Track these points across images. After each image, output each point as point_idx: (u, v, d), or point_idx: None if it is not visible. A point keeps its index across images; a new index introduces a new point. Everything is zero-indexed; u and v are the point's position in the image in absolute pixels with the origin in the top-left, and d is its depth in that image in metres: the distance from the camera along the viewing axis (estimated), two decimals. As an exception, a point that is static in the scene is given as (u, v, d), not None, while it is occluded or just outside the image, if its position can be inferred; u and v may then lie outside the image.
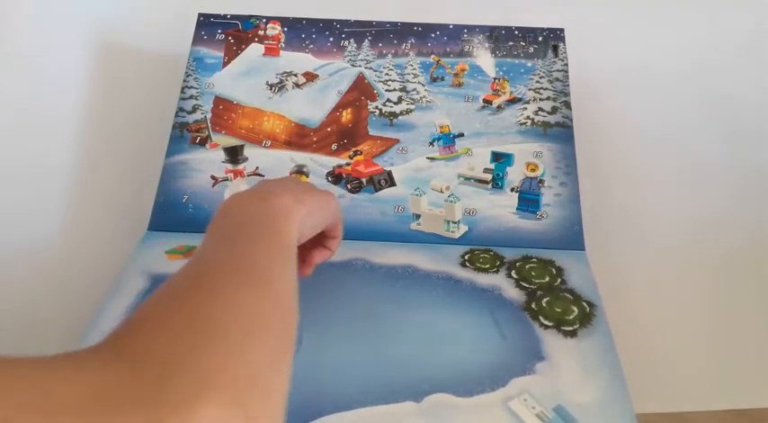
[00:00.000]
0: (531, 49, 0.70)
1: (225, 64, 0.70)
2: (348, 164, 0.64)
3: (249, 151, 0.65)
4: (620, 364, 0.46)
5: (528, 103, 0.67)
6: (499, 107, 0.67)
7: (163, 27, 0.78)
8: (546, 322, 0.50)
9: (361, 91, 0.69)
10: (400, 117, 0.67)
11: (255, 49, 0.71)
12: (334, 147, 0.66)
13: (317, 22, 0.72)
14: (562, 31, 0.70)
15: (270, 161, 0.64)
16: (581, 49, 0.72)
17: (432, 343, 0.48)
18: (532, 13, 0.77)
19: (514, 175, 0.62)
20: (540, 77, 0.68)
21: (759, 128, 0.75)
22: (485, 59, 0.70)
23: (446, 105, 0.67)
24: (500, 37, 0.70)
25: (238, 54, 0.70)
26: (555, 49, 0.69)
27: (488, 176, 0.62)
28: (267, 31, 0.71)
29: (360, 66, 0.70)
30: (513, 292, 0.53)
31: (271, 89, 0.68)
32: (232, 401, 0.23)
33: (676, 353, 0.61)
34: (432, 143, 0.65)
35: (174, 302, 0.27)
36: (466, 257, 0.57)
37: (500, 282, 0.54)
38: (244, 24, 0.72)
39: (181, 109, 0.67)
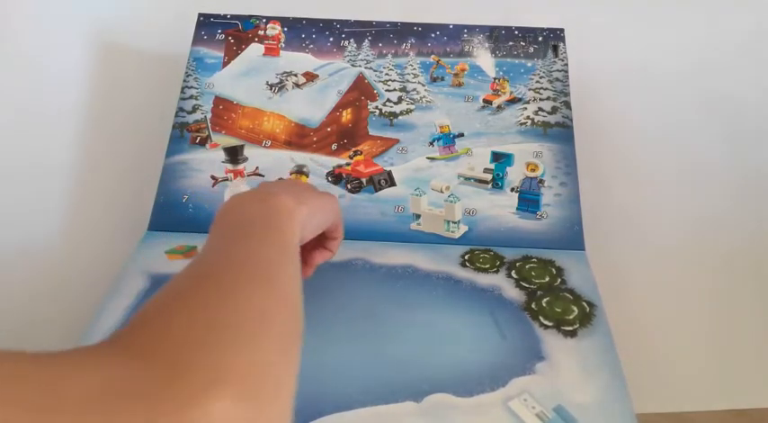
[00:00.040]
0: (531, 49, 0.70)
1: (225, 64, 0.70)
2: (348, 164, 0.64)
3: (249, 151, 0.65)
4: (620, 364, 0.46)
5: (528, 103, 0.67)
6: (499, 107, 0.67)
7: (163, 27, 0.78)
8: (546, 322, 0.50)
9: (361, 91, 0.69)
10: (400, 117, 0.67)
11: (255, 49, 0.71)
12: (334, 147, 0.66)
13: (317, 22, 0.72)
14: (562, 31, 0.70)
15: (270, 161, 0.64)
16: (581, 49, 0.72)
17: (432, 343, 0.48)
18: (532, 13, 0.77)
19: (514, 175, 0.62)
20: (540, 77, 0.68)
21: (759, 128, 0.75)
22: (485, 59, 0.70)
23: (446, 105, 0.67)
24: (500, 37, 0.70)
25: (238, 54, 0.70)
26: (555, 49, 0.69)
27: (488, 176, 0.62)
28: (267, 31, 0.71)
29: (360, 66, 0.70)
30: (513, 292, 0.53)
31: (271, 89, 0.68)
32: (243, 395, 0.23)
33: (676, 353, 0.61)
34: (432, 143, 0.65)
35: (182, 300, 0.27)
36: (466, 257, 0.57)
37: (500, 282, 0.54)
38: (244, 24, 0.72)
39: (181, 109, 0.67)
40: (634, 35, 0.80)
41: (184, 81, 0.69)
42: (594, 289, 0.53)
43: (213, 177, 0.63)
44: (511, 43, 0.70)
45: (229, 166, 0.64)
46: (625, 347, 0.48)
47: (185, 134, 0.66)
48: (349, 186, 0.63)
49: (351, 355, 0.47)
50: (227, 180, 0.63)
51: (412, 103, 0.68)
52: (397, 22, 0.71)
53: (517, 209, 0.61)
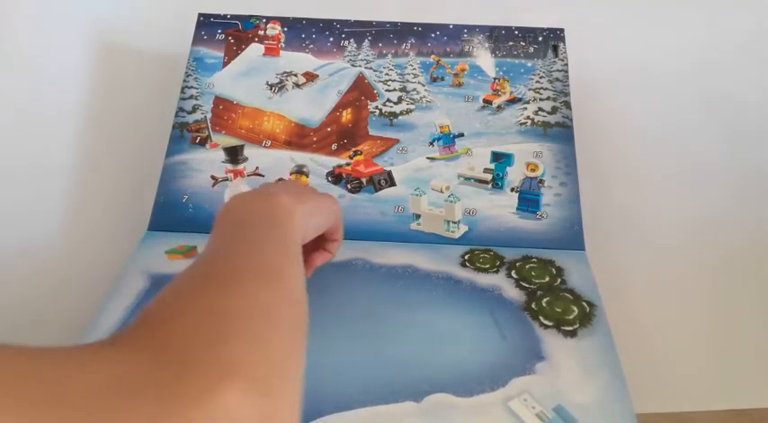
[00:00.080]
0: (531, 49, 0.70)
1: (225, 64, 0.70)
2: (348, 164, 0.64)
3: (249, 151, 0.65)
4: (620, 364, 0.46)
5: (528, 103, 0.67)
6: (499, 107, 0.67)
7: (163, 27, 0.78)
8: (546, 322, 0.50)
9: (361, 91, 0.69)
10: (400, 117, 0.67)
11: (255, 49, 0.71)
12: (334, 147, 0.66)
13: (317, 22, 0.72)
14: (562, 31, 0.70)
15: (270, 161, 0.64)
16: (581, 49, 0.72)
17: (432, 343, 0.48)
18: (532, 13, 0.77)
19: (514, 175, 0.62)
20: (540, 77, 0.68)
21: (759, 128, 0.75)
22: (485, 59, 0.70)
23: (446, 105, 0.67)
24: (500, 37, 0.70)
25: (238, 54, 0.70)
26: (555, 49, 0.69)
27: (488, 176, 0.62)
28: (267, 31, 0.71)
29: (360, 66, 0.70)
30: (513, 292, 0.53)
31: (271, 89, 0.68)
32: (253, 389, 0.23)
33: (676, 353, 0.61)
34: (432, 143, 0.65)
35: (189, 297, 0.28)
36: (466, 257, 0.57)
37: (500, 282, 0.54)
38: (244, 24, 0.72)
39: (181, 109, 0.67)
40: (634, 35, 0.80)
41: (184, 81, 0.69)
42: (594, 289, 0.53)
43: (213, 177, 0.63)
44: (511, 43, 0.70)
45: (229, 166, 0.64)
46: (625, 347, 0.48)
47: (185, 134, 0.66)
48: (349, 186, 0.63)
49: (351, 355, 0.47)
50: (227, 180, 0.63)
51: (412, 103, 0.68)
52: (397, 22, 0.72)
53: (517, 209, 0.61)
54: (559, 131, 0.65)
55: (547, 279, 0.54)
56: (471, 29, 0.71)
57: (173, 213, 0.61)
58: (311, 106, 0.67)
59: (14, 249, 0.65)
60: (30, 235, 0.66)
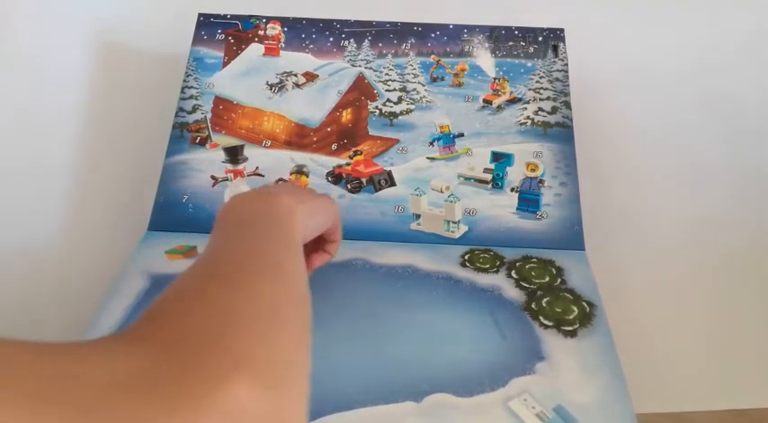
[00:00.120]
0: (531, 49, 0.70)
1: (225, 64, 0.70)
2: (348, 164, 0.64)
3: (249, 151, 0.65)
4: (620, 364, 0.46)
5: (528, 103, 0.67)
6: (499, 107, 0.67)
7: (163, 27, 0.78)
8: (546, 322, 0.50)
9: (361, 91, 0.69)
10: (400, 117, 0.67)
11: (255, 49, 0.71)
12: (334, 147, 0.66)
13: (317, 22, 0.72)
14: (562, 31, 0.70)
15: (270, 161, 0.64)
16: (581, 49, 0.72)
17: (432, 343, 0.48)
18: (532, 13, 0.77)
19: (514, 175, 0.62)
20: (540, 77, 0.68)
21: (759, 128, 0.75)
22: (485, 59, 0.70)
23: (446, 105, 0.67)
24: (500, 37, 0.70)
25: (238, 54, 0.70)
26: (555, 49, 0.69)
27: (488, 176, 0.62)
28: (267, 31, 0.71)
29: (360, 66, 0.70)
30: (513, 292, 0.53)
31: (271, 89, 0.68)
32: (262, 383, 0.23)
33: (676, 353, 0.61)
34: (432, 143, 0.65)
35: (195, 293, 0.28)
36: (466, 257, 0.57)
37: (500, 282, 0.54)
38: (244, 24, 0.72)
39: (181, 109, 0.67)
40: (634, 35, 0.80)
41: (184, 81, 0.69)
42: (594, 289, 0.53)
43: (213, 177, 0.63)
44: (511, 43, 0.70)
45: (229, 166, 0.64)
46: (625, 347, 0.48)
47: (185, 134, 0.66)
48: (349, 186, 0.63)
49: (351, 355, 0.47)
50: (227, 180, 0.63)
51: (412, 103, 0.68)
52: (397, 22, 0.72)
53: (517, 209, 0.61)
54: (559, 131, 0.65)
55: (547, 279, 0.54)
56: (471, 29, 0.71)
57: (173, 213, 0.61)
58: (311, 106, 0.67)
59: (14, 249, 0.65)
60: (30, 235, 0.66)
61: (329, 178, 0.64)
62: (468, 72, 0.69)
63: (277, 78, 0.69)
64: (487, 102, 0.67)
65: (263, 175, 0.64)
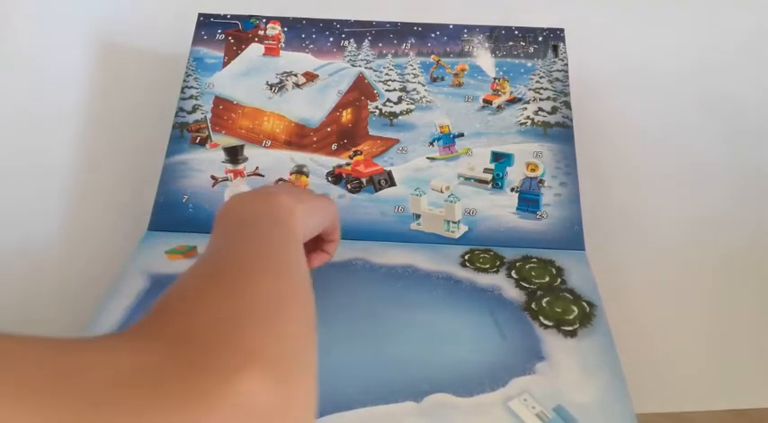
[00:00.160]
0: (531, 49, 0.70)
1: (225, 64, 0.70)
2: (348, 164, 0.64)
3: (249, 151, 0.65)
4: (620, 364, 0.46)
5: (528, 103, 0.67)
6: (499, 107, 0.67)
7: (163, 27, 0.78)
8: (546, 322, 0.50)
9: (361, 91, 0.69)
10: (400, 117, 0.67)
11: (255, 49, 0.71)
12: (334, 147, 0.66)
13: (317, 22, 0.72)
14: (562, 31, 0.70)
15: (270, 161, 0.64)
16: (581, 49, 0.72)
17: (432, 343, 0.48)
18: (532, 13, 0.77)
19: (514, 175, 0.62)
20: (540, 77, 0.68)
21: (759, 128, 0.75)
22: (485, 59, 0.70)
23: (446, 105, 0.67)
24: (500, 37, 0.70)
25: (238, 54, 0.70)
26: (555, 49, 0.69)
27: (488, 176, 0.62)
28: (267, 31, 0.71)
29: (360, 66, 0.70)
30: (513, 292, 0.53)
31: (271, 89, 0.68)
32: (274, 376, 0.23)
33: (676, 353, 0.61)
34: (432, 143, 0.65)
35: (201, 290, 0.28)
36: (466, 257, 0.57)
37: (500, 282, 0.54)
38: (244, 24, 0.72)
39: (181, 109, 0.67)
40: (634, 35, 0.80)
41: (184, 81, 0.69)
42: (594, 289, 0.53)
43: (213, 177, 0.63)
44: (511, 43, 0.70)
45: (229, 166, 0.64)
46: (625, 347, 0.48)
47: (185, 134, 0.66)
48: (349, 186, 0.63)
49: (351, 355, 0.47)
50: (227, 180, 0.63)
51: (412, 103, 0.68)
52: (397, 22, 0.71)
53: (517, 209, 0.61)
54: (559, 131, 0.65)
55: (547, 279, 0.54)
56: (471, 29, 0.71)
57: (173, 213, 0.61)
58: (311, 106, 0.67)
59: (14, 249, 0.65)
60: (30, 235, 0.66)
61: (329, 178, 0.64)
62: (468, 72, 0.69)
63: (277, 78, 0.69)
64: (487, 102, 0.67)
65: (263, 175, 0.64)
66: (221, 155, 0.64)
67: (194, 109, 0.67)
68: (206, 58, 0.70)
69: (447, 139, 0.65)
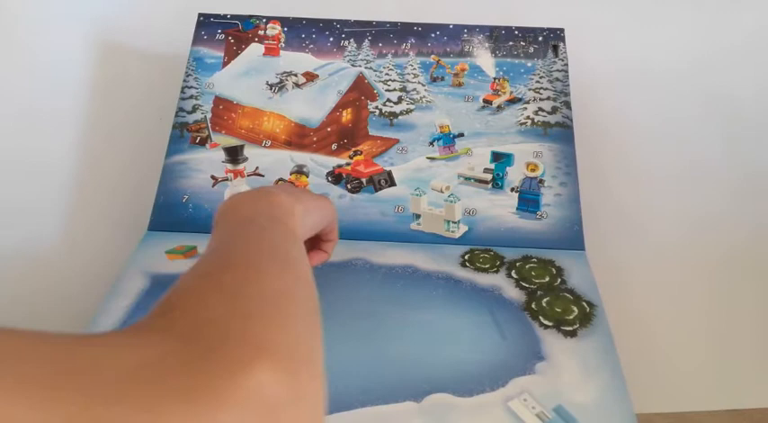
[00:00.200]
0: (531, 49, 0.70)
1: (225, 64, 0.70)
2: (348, 164, 0.64)
3: (249, 151, 0.65)
4: (620, 364, 0.46)
5: (528, 103, 0.67)
6: (499, 107, 0.67)
7: (163, 27, 0.78)
8: (546, 322, 0.50)
9: (361, 91, 0.69)
10: (400, 117, 0.67)
11: (255, 49, 0.71)
12: (334, 147, 0.66)
13: (317, 22, 0.72)
14: (562, 31, 0.70)
15: (270, 161, 0.64)
16: (581, 49, 0.72)
17: (432, 343, 0.48)
18: (532, 13, 0.77)
19: (514, 175, 0.62)
20: (540, 77, 0.68)
21: (759, 127, 0.75)
22: (485, 59, 0.70)
23: (446, 105, 0.67)
24: (500, 37, 0.70)
25: (238, 54, 0.70)
26: (555, 49, 0.69)
27: (488, 176, 0.62)
28: (267, 31, 0.71)
29: (360, 66, 0.70)
30: (513, 292, 0.53)
31: (271, 89, 0.68)
32: (284, 368, 0.23)
33: (676, 353, 0.61)
34: (432, 143, 0.65)
35: (208, 285, 0.28)
36: (466, 257, 0.57)
37: (500, 282, 0.54)
38: (244, 24, 0.72)
39: (181, 109, 0.67)
40: (634, 35, 0.80)
41: (184, 81, 0.69)
42: (594, 289, 0.53)
43: (213, 177, 0.63)
44: (511, 43, 0.70)
45: (229, 166, 0.64)
46: (625, 347, 0.48)
47: (185, 134, 0.66)
48: (349, 186, 0.63)
49: (351, 355, 0.47)
50: (227, 180, 0.63)
51: (412, 103, 0.68)
52: (397, 22, 0.71)
53: (517, 209, 0.61)
54: (559, 131, 0.65)
55: (547, 279, 0.54)
56: (471, 29, 0.71)
57: (173, 213, 0.61)
58: (311, 106, 0.67)
59: (15, 249, 0.65)
60: (30, 235, 0.66)
61: (329, 178, 0.64)
62: (468, 72, 0.69)
63: (277, 78, 0.69)
64: (487, 102, 0.67)
65: (263, 175, 0.64)
66: (221, 155, 0.64)
67: (194, 109, 0.67)
68: (206, 58, 0.70)
69: (447, 139, 0.65)
